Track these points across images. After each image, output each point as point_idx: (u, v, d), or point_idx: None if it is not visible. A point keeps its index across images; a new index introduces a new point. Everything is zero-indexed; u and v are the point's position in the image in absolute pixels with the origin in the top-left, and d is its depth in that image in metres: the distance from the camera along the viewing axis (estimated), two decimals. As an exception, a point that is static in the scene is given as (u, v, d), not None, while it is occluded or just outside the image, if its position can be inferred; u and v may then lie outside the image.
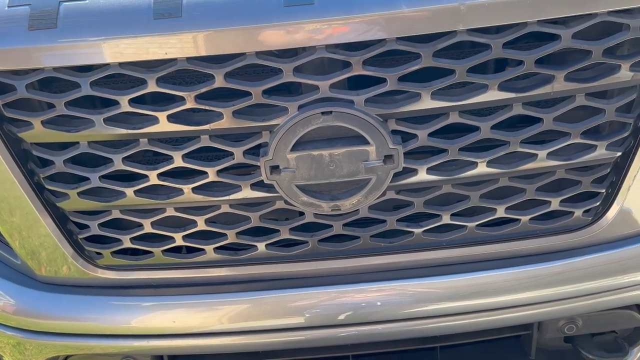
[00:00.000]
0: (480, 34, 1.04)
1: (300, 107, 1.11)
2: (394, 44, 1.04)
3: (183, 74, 1.13)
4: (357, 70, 1.07)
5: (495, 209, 1.26)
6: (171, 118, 1.12)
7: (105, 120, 1.13)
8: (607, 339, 1.52)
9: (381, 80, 1.09)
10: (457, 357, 1.54)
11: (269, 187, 1.20)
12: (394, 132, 1.14)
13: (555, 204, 1.25)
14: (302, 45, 1.05)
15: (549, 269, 1.30)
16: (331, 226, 1.27)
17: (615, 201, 1.26)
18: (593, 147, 1.18)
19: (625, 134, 1.18)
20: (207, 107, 1.11)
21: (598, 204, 1.27)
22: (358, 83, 1.11)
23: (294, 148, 1.13)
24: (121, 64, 1.07)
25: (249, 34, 1.04)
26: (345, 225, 1.27)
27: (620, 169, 1.23)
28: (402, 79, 1.08)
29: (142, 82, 1.09)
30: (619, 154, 1.20)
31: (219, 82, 1.08)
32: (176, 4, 1.04)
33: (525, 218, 1.27)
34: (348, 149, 1.13)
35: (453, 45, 1.06)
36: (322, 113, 1.10)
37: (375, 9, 1.02)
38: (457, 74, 1.07)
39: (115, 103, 1.11)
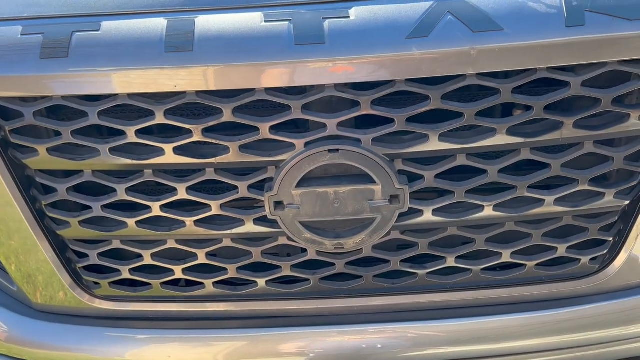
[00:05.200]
0: (490, 78, 1.05)
1: (307, 144, 1.10)
2: (402, 85, 1.05)
3: (191, 106, 1.13)
4: (366, 109, 1.07)
5: (500, 253, 1.24)
6: (177, 150, 1.11)
7: (110, 150, 1.12)
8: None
9: (389, 121, 1.08)
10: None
11: (272, 223, 1.19)
12: (401, 172, 1.13)
13: (561, 250, 1.24)
14: (311, 83, 1.05)
15: (554, 316, 1.27)
16: (334, 264, 1.25)
17: (623, 249, 1.24)
18: (601, 195, 1.17)
19: (634, 183, 1.17)
20: (214, 141, 1.11)
21: (605, 252, 1.25)
22: (366, 122, 1.11)
23: (299, 184, 1.12)
24: (130, 95, 1.07)
25: (259, 70, 1.04)
26: (347, 264, 1.25)
27: (628, 217, 1.22)
28: (410, 119, 1.08)
29: (150, 114, 1.09)
30: (627, 202, 1.19)
31: (227, 116, 1.08)
32: (188, 37, 1.04)
33: (531, 263, 1.25)
34: (354, 187, 1.12)
35: (462, 88, 1.06)
36: (329, 151, 1.10)
37: (386, 51, 1.02)
38: (465, 117, 1.07)
39: (121, 133, 1.11)
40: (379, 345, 1.27)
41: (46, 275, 1.31)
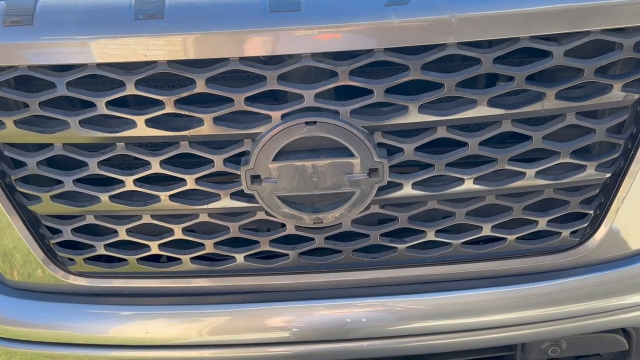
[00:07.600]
0: (471, 47, 1.02)
1: (283, 116, 1.07)
2: (382, 55, 1.01)
3: (164, 77, 1.09)
4: (344, 80, 1.03)
5: (481, 227, 1.22)
6: (149, 122, 1.08)
7: (80, 122, 1.08)
8: (591, 362, 1.50)
9: (368, 92, 1.05)
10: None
11: (249, 197, 1.16)
12: (380, 145, 1.10)
13: (542, 223, 1.23)
14: (287, 52, 1.02)
15: (534, 289, 1.27)
16: (313, 239, 1.23)
17: (604, 223, 1.24)
18: (582, 167, 1.16)
19: (615, 155, 1.16)
20: (187, 113, 1.07)
21: (586, 225, 1.24)
22: (344, 93, 1.08)
23: (276, 158, 1.10)
24: (99, 65, 1.03)
25: (233, 38, 1.00)
26: (327, 238, 1.23)
27: (609, 190, 1.21)
28: (389, 91, 1.05)
29: (121, 85, 1.05)
30: (609, 175, 1.18)
31: (200, 87, 1.04)
32: (158, 5, 1.00)
33: (511, 237, 1.24)
34: (332, 160, 1.10)
35: (443, 58, 1.03)
36: (306, 123, 1.07)
37: (364, 18, 0.99)
38: (445, 88, 1.04)
39: (91, 105, 1.07)
40: (362, 319, 1.26)
41: (19, 252, 1.28)
